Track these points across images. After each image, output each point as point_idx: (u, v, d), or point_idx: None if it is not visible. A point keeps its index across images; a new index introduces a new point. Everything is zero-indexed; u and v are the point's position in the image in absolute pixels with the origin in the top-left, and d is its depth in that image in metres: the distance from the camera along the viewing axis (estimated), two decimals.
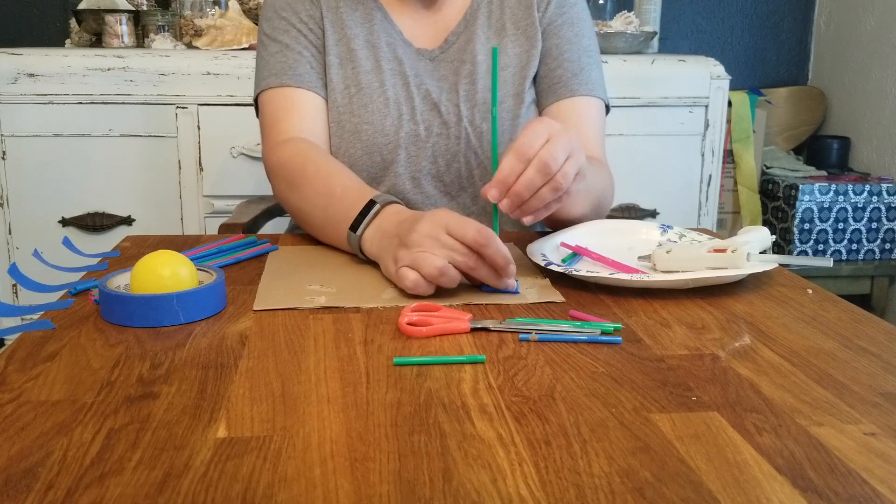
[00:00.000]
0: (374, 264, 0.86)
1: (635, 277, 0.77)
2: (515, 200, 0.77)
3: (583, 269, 0.81)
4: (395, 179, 1.08)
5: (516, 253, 0.92)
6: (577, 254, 0.88)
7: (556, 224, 1.00)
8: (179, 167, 1.96)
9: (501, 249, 0.74)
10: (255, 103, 1.13)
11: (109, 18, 2.06)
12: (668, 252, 0.83)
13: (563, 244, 0.90)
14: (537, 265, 0.85)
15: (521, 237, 1.01)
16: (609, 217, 1.12)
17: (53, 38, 2.34)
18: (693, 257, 0.81)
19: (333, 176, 0.96)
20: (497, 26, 1.12)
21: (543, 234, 0.98)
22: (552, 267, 0.81)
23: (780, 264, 0.82)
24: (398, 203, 0.87)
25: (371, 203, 0.86)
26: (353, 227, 0.86)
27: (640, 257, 0.86)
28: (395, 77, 1.09)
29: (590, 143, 1.10)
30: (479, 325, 0.68)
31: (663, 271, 0.82)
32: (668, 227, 0.95)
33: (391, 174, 1.08)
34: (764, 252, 0.86)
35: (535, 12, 1.12)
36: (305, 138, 1.05)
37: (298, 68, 1.08)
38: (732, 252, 0.79)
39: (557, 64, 1.11)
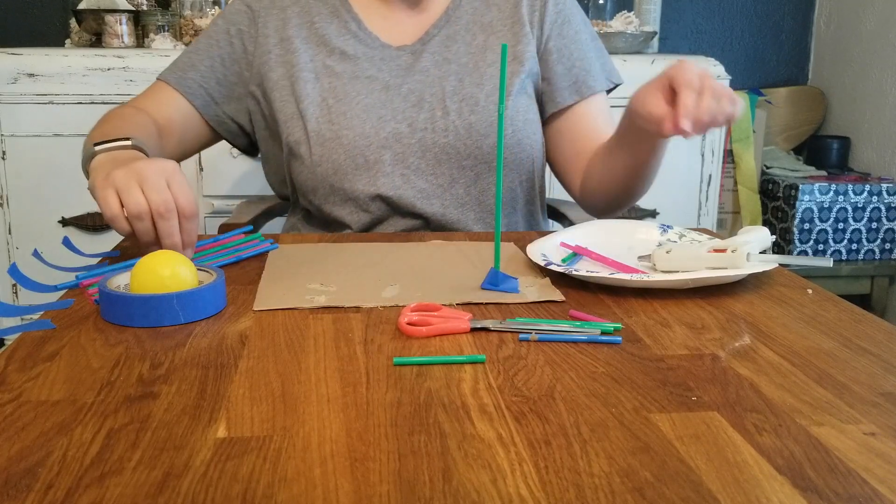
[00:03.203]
0: (374, 263, 0.86)
1: (635, 277, 0.77)
2: (699, 128, 0.83)
3: (583, 269, 0.81)
4: (385, 178, 1.09)
5: (513, 251, 0.92)
6: (577, 254, 0.88)
7: (629, 193, 1.09)
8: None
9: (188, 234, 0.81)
10: None
11: (109, 18, 2.06)
12: (667, 252, 0.83)
13: (563, 244, 0.90)
14: (537, 265, 0.85)
15: (522, 237, 1.01)
16: (609, 217, 1.12)
17: (53, 38, 2.34)
18: (693, 257, 0.81)
19: (116, 123, 1.02)
20: (483, 22, 1.14)
21: (543, 234, 0.99)
22: (552, 267, 0.81)
23: (780, 264, 0.82)
24: (138, 147, 0.93)
25: (127, 140, 0.92)
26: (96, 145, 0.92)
27: (639, 257, 0.86)
28: (374, 83, 1.11)
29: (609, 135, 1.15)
30: (479, 325, 0.68)
31: (663, 271, 0.82)
32: (667, 227, 0.95)
33: (380, 174, 1.09)
34: (764, 252, 0.86)
35: (523, 10, 1.14)
36: (141, 109, 1.11)
37: (190, 73, 1.15)
38: (732, 252, 0.80)
39: (571, 64, 1.16)
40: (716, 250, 0.80)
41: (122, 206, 0.78)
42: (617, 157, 1.05)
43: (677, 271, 0.81)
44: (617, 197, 1.11)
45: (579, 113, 1.16)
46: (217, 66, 1.14)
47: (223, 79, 1.15)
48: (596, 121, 1.16)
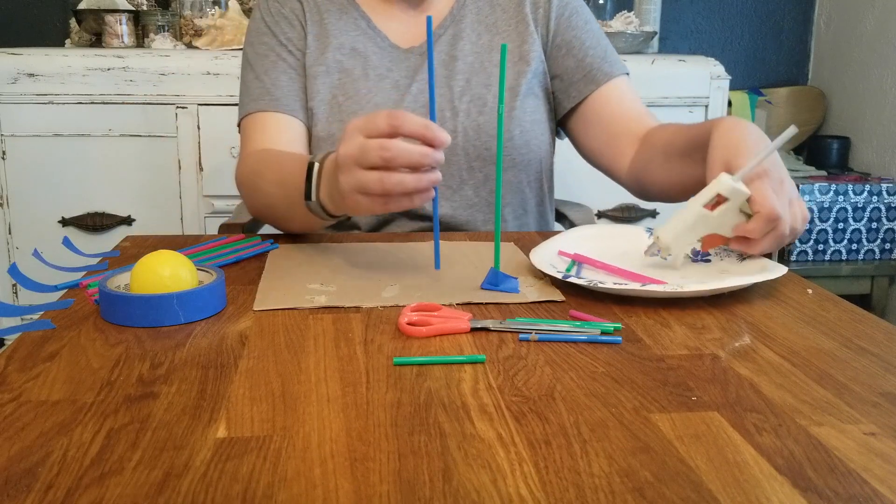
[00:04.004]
0: (374, 263, 0.86)
1: (648, 287, 0.74)
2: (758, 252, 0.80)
3: (587, 275, 0.80)
4: None
5: (513, 251, 0.92)
6: (576, 261, 0.87)
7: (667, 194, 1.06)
8: (179, 167, 1.96)
9: (417, 120, 0.73)
10: (239, 128, 1.16)
11: (109, 18, 2.06)
12: (666, 233, 0.81)
13: (562, 252, 0.88)
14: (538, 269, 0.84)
15: (521, 237, 1.01)
16: (608, 217, 1.12)
17: (53, 38, 2.34)
18: (692, 222, 0.79)
19: (284, 163, 0.96)
20: (488, 22, 1.14)
21: (543, 234, 0.98)
22: (563, 277, 0.78)
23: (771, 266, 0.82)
24: (333, 153, 0.85)
25: (310, 166, 0.85)
26: (307, 197, 0.85)
27: (646, 250, 0.84)
28: (384, 82, 1.11)
29: (644, 114, 1.14)
30: (479, 325, 0.68)
31: (670, 254, 0.81)
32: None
33: None
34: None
35: (526, 9, 1.14)
36: (267, 147, 1.06)
37: (276, 92, 1.10)
38: (728, 200, 0.78)
39: (584, 54, 1.14)
40: (712, 207, 0.79)
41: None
42: (694, 165, 0.97)
43: (690, 247, 0.80)
44: (684, 197, 1.09)
45: (602, 99, 1.14)
46: (293, 75, 1.13)
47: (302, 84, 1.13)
48: (623, 101, 1.14)
